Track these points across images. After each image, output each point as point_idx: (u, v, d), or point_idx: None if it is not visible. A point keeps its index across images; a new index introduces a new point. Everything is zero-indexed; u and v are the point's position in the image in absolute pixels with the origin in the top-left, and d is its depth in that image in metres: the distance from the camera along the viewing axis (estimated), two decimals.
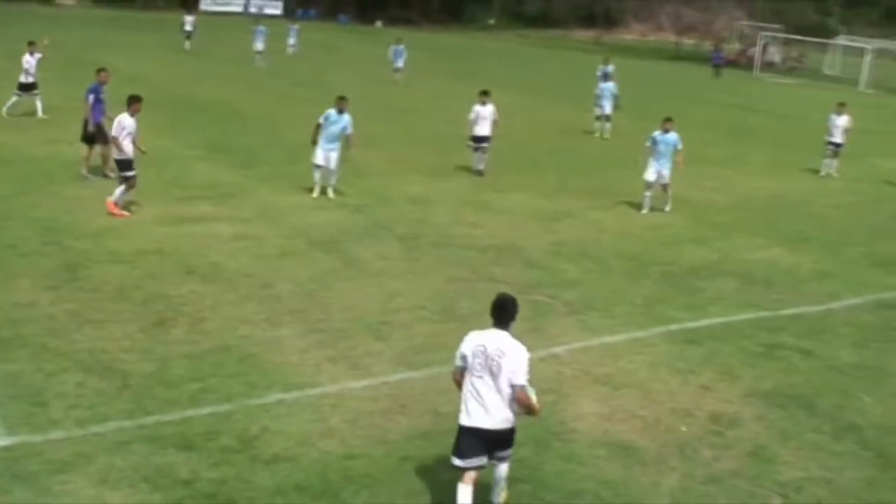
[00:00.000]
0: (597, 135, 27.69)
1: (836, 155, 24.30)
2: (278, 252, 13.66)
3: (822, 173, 24.23)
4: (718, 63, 56.91)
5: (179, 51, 43.01)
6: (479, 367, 6.79)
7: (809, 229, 18.02)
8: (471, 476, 6.96)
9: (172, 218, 14.89)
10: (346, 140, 17.17)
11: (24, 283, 11.51)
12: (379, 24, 74.04)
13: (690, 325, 11.93)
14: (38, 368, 9.19)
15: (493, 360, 6.76)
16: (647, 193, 18.01)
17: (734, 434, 9.01)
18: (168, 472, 7.53)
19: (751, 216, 18.69)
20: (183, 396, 8.86)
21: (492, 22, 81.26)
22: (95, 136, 17.30)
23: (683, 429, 9.03)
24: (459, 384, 6.98)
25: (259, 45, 40.81)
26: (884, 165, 25.79)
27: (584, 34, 79.40)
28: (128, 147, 14.86)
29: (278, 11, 74.46)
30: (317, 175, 17.12)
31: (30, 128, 21.93)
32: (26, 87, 23.12)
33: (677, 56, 69.86)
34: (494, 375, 6.75)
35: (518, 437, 7.17)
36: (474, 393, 6.81)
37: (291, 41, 46.01)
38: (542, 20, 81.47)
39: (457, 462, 6.96)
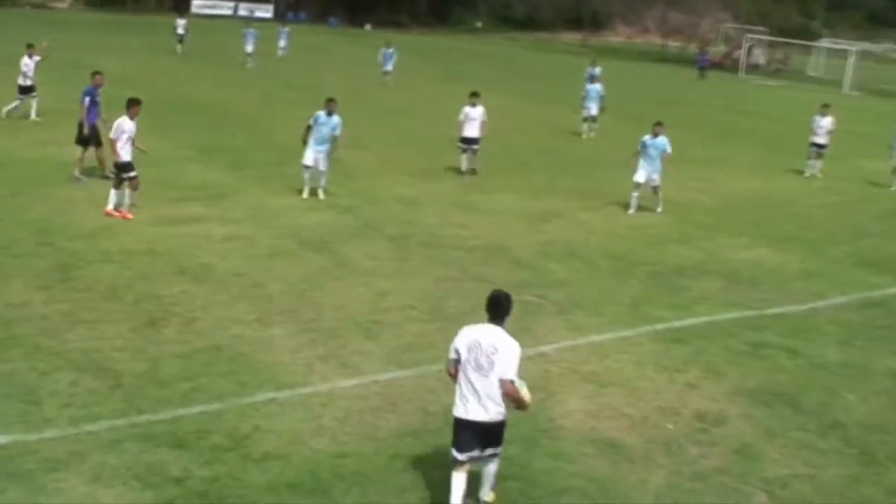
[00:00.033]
0: (584, 136, 27.87)
1: (820, 156, 24.50)
2: (269, 252, 13.73)
3: (807, 174, 24.42)
4: (704, 65, 57.18)
5: (170, 53, 42.93)
6: (473, 362, 6.94)
7: (794, 229, 18.19)
8: (465, 466, 7.14)
9: (164, 219, 14.94)
10: (334, 141, 17.25)
11: (17, 284, 11.56)
12: (368, 27, 74.02)
13: (676, 324, 12.05)
14: (32, 367, 9.25)
15: (487, 354, 6.90)
16: (635, 194, 18.16)
17: (720, 431, 9.12)
18: (160, 470, 7.60)
19: (736, 216, 18.85)
20: (175, 395, 8.93)
21: (479, 25, 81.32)
22: (90, 138, 17.33)
23: (670, 426, 9.14)
24: (453, 376, 7.12)
25: (249, 48, 40.85)
26: (867, 166, 25.98)
27: (572, 37, 79.56)
28: (124, 151, 14.88)
29: (269, 14, 74.33)
30: (306, 176, 17.20)
31: (23, 130, 21.89)
32: (24, 90, 23.01)
33: (663, 58, 70.09)
34: (488, 370, 6.90)
35: (506, 434, 7.27)
36: (469, 386, 6.95)
37: (282, 44, 45.99)
38: (530, 23, 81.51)
39: (458, 456, 7.10)
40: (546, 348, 10.76)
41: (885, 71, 62.72)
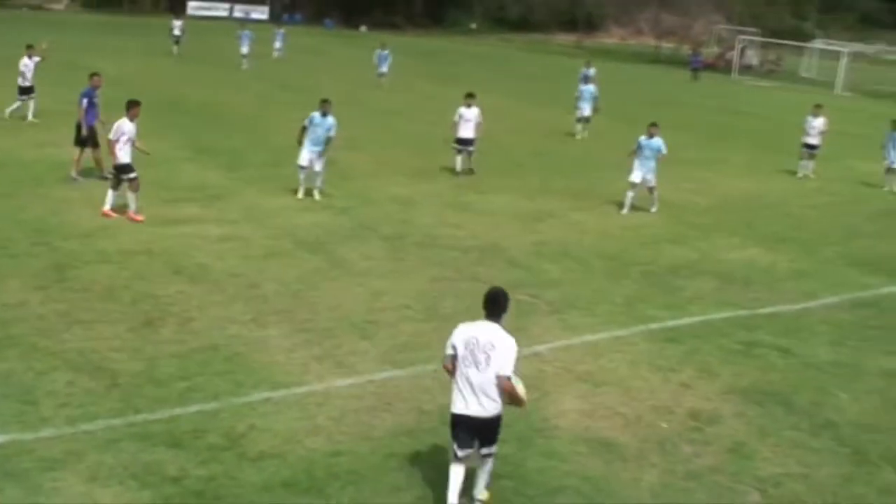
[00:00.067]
0: (578, 137, 27.95)
1: (812, 156, 24.60)
2: (265, 253, 13.77)
3: (800, 174, 24.52)
4: (697, 66, 57.22)
5: (167, 54, 42.90)
6: (470, 358, 7.00)
7: (787, 229, 18.27)
8: (464, 461, 7.21)
9: (160, 219, 14.97)
10: (329, 143, 17.30)
11: (13, 284, 11.58)
12: (364, 28, 74.06)
13: (670, 323, 12.12)
14: (29, 367, 9.27)
15: (484, 351, 6.98)
16: (630, 193, 18.24)
17: (713, 431, 9.17)
18: (157, 469, 7.63)
19: (729, 217, 18.94)
20: (171, 395, 8.96)
21: (474, 26, 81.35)
22: (88, 139, 17.36)
23: (664, 425, 9.19)
24: (450, 372, 7.19)
25: (245, 50, 40.85)
26: (860, 167, 26.08)
27: (566, 38, 79.60)
28: (122, 152, 14.89)
29: (264, 16, 74.28)
30: (301, 176, 17.24)
31: (20, 131, 21.89)
32: (24, 91, 22.98)
33: (657, 59, 70.18)
34: (485, 366, 6.97)
35: (501, 433, 7.32)
36: (467, 383, 7.02)
37: (277, 45, 45.97)
38: (524, 24, 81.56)
39: (458, 452, 7.17)
40: (540, 348, 10.81)
41: (877, 72, 62.85)
